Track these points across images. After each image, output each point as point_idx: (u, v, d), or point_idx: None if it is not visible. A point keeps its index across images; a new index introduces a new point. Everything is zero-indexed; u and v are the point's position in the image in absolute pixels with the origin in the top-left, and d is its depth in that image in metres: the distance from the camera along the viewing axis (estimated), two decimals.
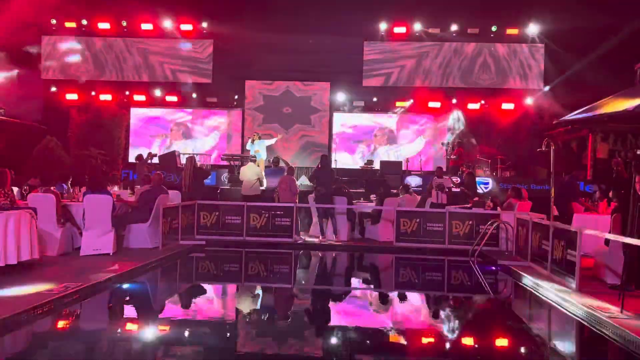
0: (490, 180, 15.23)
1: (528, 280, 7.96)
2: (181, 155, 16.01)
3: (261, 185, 12.48)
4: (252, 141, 14.71)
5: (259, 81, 18.94)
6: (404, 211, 11.20)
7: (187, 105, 19.09)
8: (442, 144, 17.95)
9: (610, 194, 9.93)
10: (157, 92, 18.87)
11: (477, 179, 15.29)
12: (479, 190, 14.83)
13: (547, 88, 17.79)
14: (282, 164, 13.66)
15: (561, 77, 16.66)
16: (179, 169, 14.63)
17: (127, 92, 18.97)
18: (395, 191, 12.69)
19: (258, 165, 13.53)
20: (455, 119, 18.19)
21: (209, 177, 13.86)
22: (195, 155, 13.37)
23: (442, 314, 7.03)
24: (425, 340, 5.74)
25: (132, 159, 17.05)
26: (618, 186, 9.57)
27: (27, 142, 16.58)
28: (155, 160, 15.64)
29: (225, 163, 16.80)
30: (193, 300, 7.40)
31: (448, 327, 6.26)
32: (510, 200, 11.39)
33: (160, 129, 19.25)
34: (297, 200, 11.71)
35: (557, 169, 9.73)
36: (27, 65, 17.98)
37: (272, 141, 15.64)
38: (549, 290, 7.14)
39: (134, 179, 14.35)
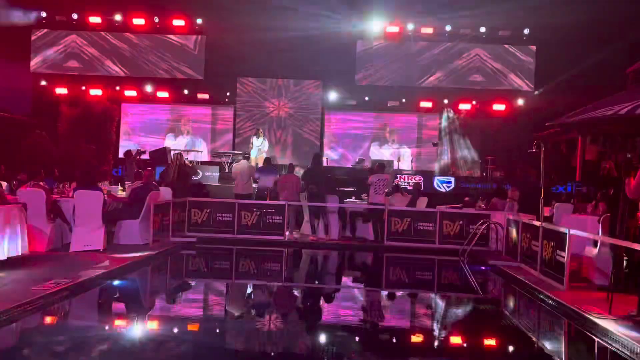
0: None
1: (517, 280, 8.03)
2: (172, 152, 15.90)
3: (254, 182, 12.42)
4: (258, 137, 14.72)
5: (252, 78, 18.88)
6: (395, 210, 11.24)
7: (178, 102, 18.97)
8: (433, 144, 18.01)
9: (599, 195, 10.03)
10: (148, 88, 18.74)
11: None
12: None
13: (538, 89, 17.92)
14: (273, 162, 13.64)
15: (553, 79, 16.76)
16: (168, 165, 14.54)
17: (117, 88, 18.82)
18: (386, 190, 12.70)
19: (253, 164, 13.49)
20: (447, 119, 18.29)
21: (197, 174, 13.80)
22: (182, 152, 13.28)
23: (431, 313, 7.07)
24: (414, 339, 5.77)
25: (122, 155, 16.92)
26: (607, 187, 9.69)
27: (16, 136, 16.38)
28: (145, 156, 15.54)
29: (216, 160, 16.72)
30: (183, 297, 7.38)
31: (436, 327, 6.30)
32: (494, 200, 11.52)
33: (151, 125, 19.11)
34: (299, 199, 11.70)
35: (546, 170, 9.83)
36: (16, 58, 17.76)
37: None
38: (538, 291, 7.20)
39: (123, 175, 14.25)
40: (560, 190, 15.04)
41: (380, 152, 18.58)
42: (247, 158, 13.99)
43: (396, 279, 9.30)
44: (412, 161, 17.52)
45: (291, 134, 18.79)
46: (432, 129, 18.77)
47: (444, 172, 17.08)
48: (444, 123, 18.32)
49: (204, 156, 18.10)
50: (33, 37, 18.72)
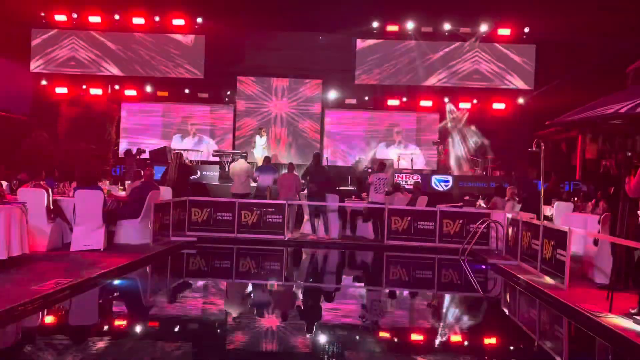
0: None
1: (517, 279, 8.03)
2: (171, 152, 15.91)
3: (253, 182, 12.41)
4: (261, 136, 14.75)
5: (251, 77, 18.88)
6: (395, 209, 11.24)
7: (178, 101, 18.98)
8: (433, 143, 18.01)
9: (599, 194, 10.03)
10: (148, 88, 18.75)
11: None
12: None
13: (538, 89, 17.91)
14: (273, 162, 13.65)
15: (552, 78, 16.75)
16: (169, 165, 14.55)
17: (117, 87, 18.83)
18: (387, 189, 12.71)
19: (260, 163, 13.50)
20: (450, 118, 18.32)
21: (196, 174, 13.81)
22: (181, 152, 13.29)
23: (431, 312, 7.07)
24: (414, 338, 5.78)
25: (122, 154, 16.93)
26: (607, 185, 9.67)
27: (16, 136, 16.39)
28: (145, 155, 15.54)
29: (216, 159, 16.72)
30: (183, 296, 7.38)
31: (436, 325, 6.30)
32: (495, 199, 11.52)
33: (150, 124, 19.10)
34: (299, 199, 11.69)
35: (546, 169, 9.83)
36: (16, 57, 17.76)
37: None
38: (538, 290, 7.20)
39: (123, 174, 14.26)
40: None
41: (384, 152, 18.53)
42: (245, 157, 14.03)
43: (396, 277, 9.30)
44: (412, 160, 17.51)
45: (291, 133, 18.80)
46: (433, 128, 18.76)
47: (457, 170, 17.07)
48: (448, 122, 18.30)
49: (205, 156, 18.10)
50: (33, 37, 18.70)
